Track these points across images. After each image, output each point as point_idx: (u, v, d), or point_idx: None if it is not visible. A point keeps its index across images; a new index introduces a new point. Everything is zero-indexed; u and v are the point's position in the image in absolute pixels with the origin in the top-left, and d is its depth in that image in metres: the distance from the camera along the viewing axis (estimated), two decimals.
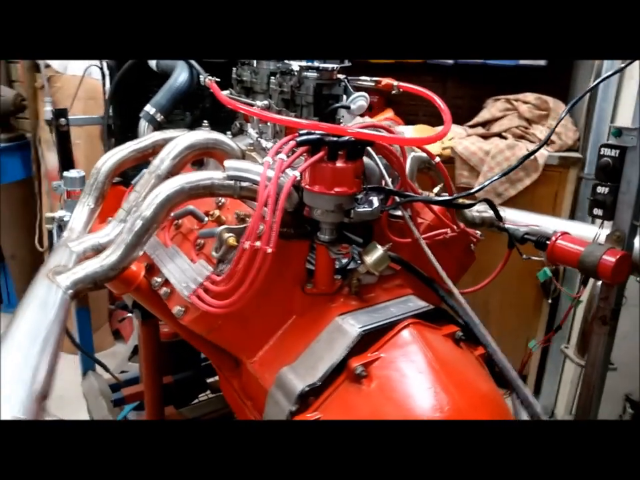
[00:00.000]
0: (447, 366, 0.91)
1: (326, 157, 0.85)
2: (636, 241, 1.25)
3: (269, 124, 1.16)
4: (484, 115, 2.71)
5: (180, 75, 1.40)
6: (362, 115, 1.14)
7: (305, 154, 0.88)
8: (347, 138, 0.84)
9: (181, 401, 1.77)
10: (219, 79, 1.24)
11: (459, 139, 2.64)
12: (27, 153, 3.49)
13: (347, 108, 1.07)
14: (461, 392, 0.87)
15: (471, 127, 2.71)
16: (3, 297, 3.61)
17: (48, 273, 0.87)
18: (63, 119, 1.88)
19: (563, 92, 2.73)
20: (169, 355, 1.74)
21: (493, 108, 2.71)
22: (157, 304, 1.07)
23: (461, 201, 0.97)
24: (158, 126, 1.40)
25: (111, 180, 1.23)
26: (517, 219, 1.46)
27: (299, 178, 0.85)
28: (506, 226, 1.23)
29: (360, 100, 1.07)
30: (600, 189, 1.03)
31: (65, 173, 1.68)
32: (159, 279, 1.04)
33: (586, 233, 1.17)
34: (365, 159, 1.07)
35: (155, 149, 1.26)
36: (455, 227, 1.09)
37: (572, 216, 2.50)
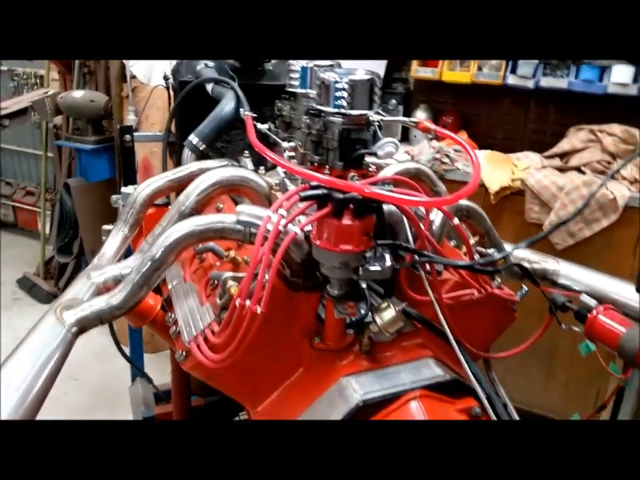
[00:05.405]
0: None
1: (331, 213, 0.81)
2: None
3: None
4: (563, 146, 2.52)
5: (226, 105, 1.40)
6: None
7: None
8: (352, 194, 0.80)
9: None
10: (255, 115, 1.23)
11: (534, 169, 2.47)
12: (114, 154, 3.72)
13: (374, 154, 1.02)
14: None
15: (547, 157, 2.53)
16: None
17: (57, 308, 0.89)
18: (127, 136, 1.96)
19: None
20: None
21: (574, 138, 2.52)
22: (171, 339, 1.08)
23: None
24: (200, 155, 1.41)
25: (147, 209, 1.26)
26: (572, 274, 1.33)
27: (299, 235, 0.82)
28: (555, 290, 1.12)
29: (388, 146, 1.02)
30: None
31: (123, 189, 1.71)
32: (173, 316, 1.05)
33: None
34: (392, 208, 1.01)
35: (191, 179, 1.27)
36: (483, 290, 1.00)
37: None
